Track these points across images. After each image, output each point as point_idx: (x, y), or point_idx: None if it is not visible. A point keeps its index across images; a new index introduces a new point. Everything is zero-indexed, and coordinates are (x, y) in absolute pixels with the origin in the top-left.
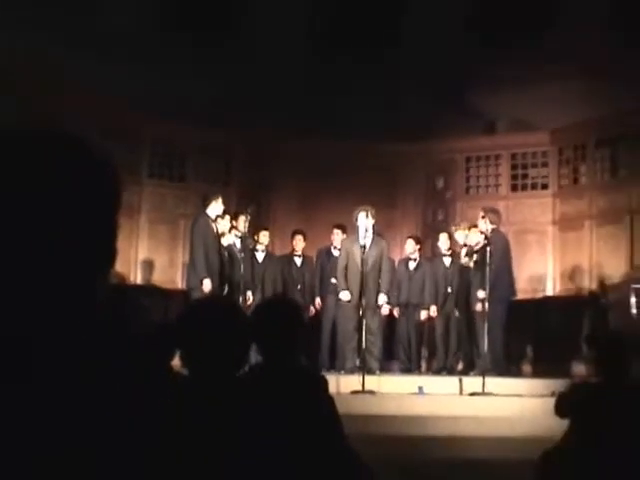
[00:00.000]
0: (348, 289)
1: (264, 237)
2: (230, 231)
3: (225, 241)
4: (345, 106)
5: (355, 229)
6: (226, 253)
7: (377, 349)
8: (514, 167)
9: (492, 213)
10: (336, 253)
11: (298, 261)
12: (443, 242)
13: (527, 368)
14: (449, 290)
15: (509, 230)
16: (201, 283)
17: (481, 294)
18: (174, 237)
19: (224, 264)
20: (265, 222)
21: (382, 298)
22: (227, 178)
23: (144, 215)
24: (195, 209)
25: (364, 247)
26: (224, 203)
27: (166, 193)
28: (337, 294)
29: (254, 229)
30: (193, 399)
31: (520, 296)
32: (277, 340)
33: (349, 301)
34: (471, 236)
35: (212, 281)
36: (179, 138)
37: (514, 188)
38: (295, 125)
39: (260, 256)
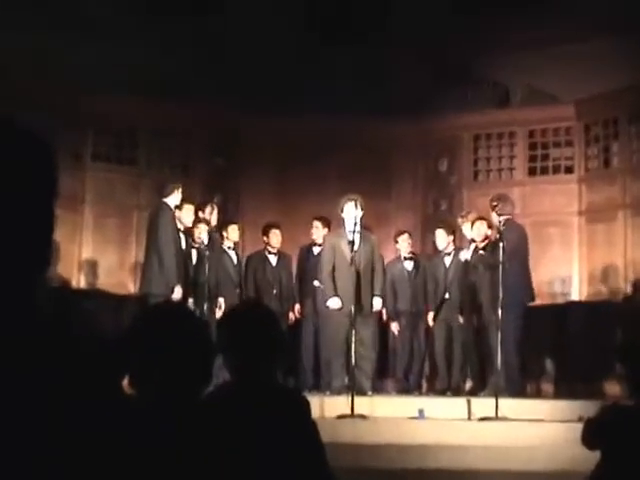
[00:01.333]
0: (338, 295)
1: (233, 232)
2: (195, 225)
3: (197, 236)
4: (328, 78)
5: (341, 222)
6: (193, 252)
7: (370, 365)
8: (532, 147)
9: (503, 202)
10: (317, 250)
11: (273, 260)
12: (441, 239)
13: (548, 387)
14: (447, 295)
15: (526, 222)
16: (172, 291)
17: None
18: (125, 233)
19: (188, 265)
20: (233, 215)
21: (377, 303)
22: (188, 162)
23: (88, 206)
24: (151, 199)
25: (353, 243)
26: (184, 192)
27: (115, 179)
28: (321, 299)
29: (221, 223)
30: (146, 426)
31: (539, 301)
32: (248, 354)
33: (340, 309)
34: (477, 229)
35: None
36: (130, 114)
37: (532, 172)
38: (268, 101)
39: (232, 255)
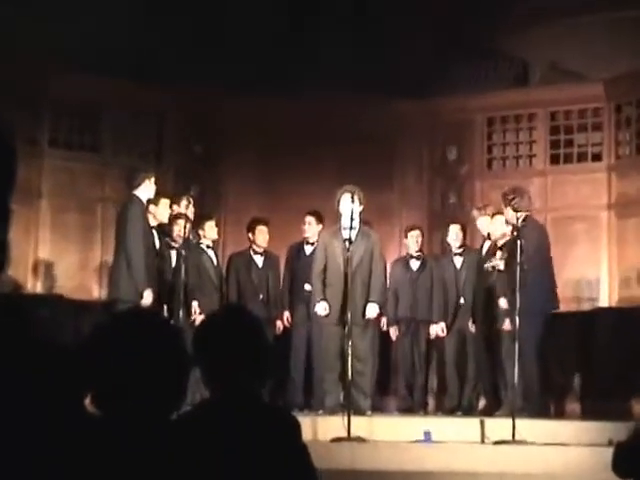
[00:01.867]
0: (326, 299)
1: (211, 230)
2: (173, 221)
3: (173, 234)
4: (321, 54)
5: (337, 218)
6: (170, 252)
7: (367, 381)
8: (554, 131)
9: (520, 196)
10: (309, 250)
11: (259, 260)
12: (454, 236)
13: (573, 406)
14: (462, 301)
15: (548, 218)
16: (141, 296)
17: (503, 303)
18: (88, 230)
19: (163, 267)
20: (213, 209)
21: (372, 310)
22: (159, 149)
23: (45, 200)
24: (117, 191)
25: (349, 242)
26: (157, 183)
27: (76, 169)
28: (313, 305)
29: (197, 218)
30: (112, 451)
31: (563, 307)
32: (229, 367)
33: (327, 315)
34: (494, 226)
35: (152, 291)
36: (94, 95)
37: (555, 160)
38: (253, 80)
39: (211, 255)
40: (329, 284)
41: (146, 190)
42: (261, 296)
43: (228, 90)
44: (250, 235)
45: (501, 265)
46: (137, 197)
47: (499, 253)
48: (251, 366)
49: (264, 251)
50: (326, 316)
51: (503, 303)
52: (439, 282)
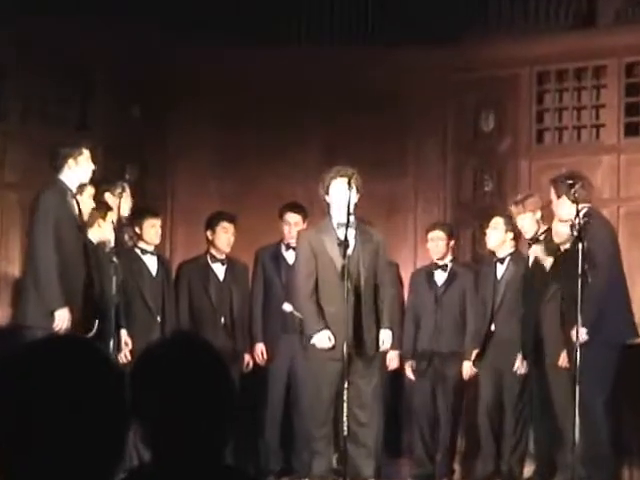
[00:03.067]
0: (327, 327)
1: (152, 229)
2: (96, 216)
3: (96, 235)
4: None
5: (326, 211)
6: (95, 258)
7: (372, 436)
8: (631, 90)
9: (582, 182)
10: (290, 256)
11: (220, 271)
12: (496, 235)
13: None
14: (492, 327)
15: (620, 211)
16: (51, 317)
17: (582, 332)
18: None
19: (92, 279)
20: (157, 199)
21: (387, 338)
22: (85, 114)
23: None
24: (31, 175)
25: (345, 244)
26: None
27: None
28: (298, 334)
29: (134, 213)
30: None
31: None
32: (178, 420)
33: (333, 348)
34: (557, 225)
35: (72, 311)
36: None
37: (631, 131)
38: (215, 21)
39: (151, 263)
40: (325, 305)
41: (75, 172)
42: (223, 320)
43: (180, 37)
44: (209, 235)
45: (547, 262)
46: (60, 183)
47: (534, 247)
48: (208, 418)
49: (227, 258)
50: (331, 348)
51: (581, 333)
52: (474, 301)
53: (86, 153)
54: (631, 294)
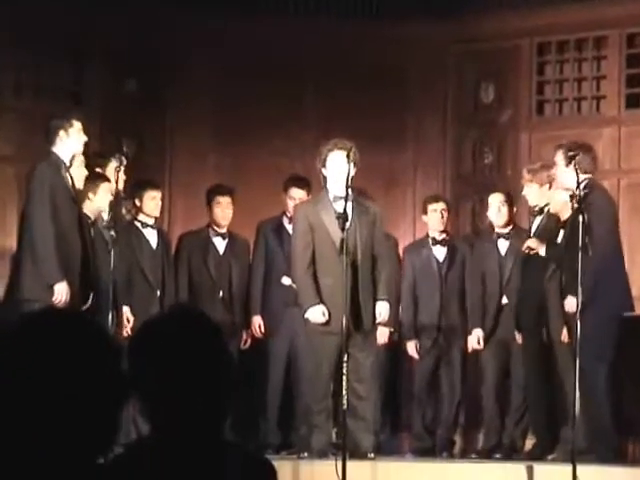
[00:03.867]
0: (322, 302)
1: (151, 202)
2: (91, 189)
3: (91, 207)
4: None
5: (322, 184)
6: (91, 231)
7: (372, 411)
8: (632, 61)
9: (584, 153)
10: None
11: (220, 244)
12: (497, 210)
13: None
14: (504, 300)
15: (621, 183)
16: (50, 290)
17: (571, 304)
18: None
19: (88, 252)
20: (155, 172)
21: (384, 310)
22: (79, 86)
23: None
24: (26, 148)
25: (344, 218)
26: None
27: None
28: (297, 308)
29: (132, 186)
30: None
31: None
32: (176, 394)
33: (327, 323)
34: (554, 194)
35: (71, 285)
36: None
37: (632, 102)
38: None
39: (151, 237)
40: (322, 278)
41: (67, 144)
42: (221, 294)
43: (180, 6)
44: (210, 209)
45: (542, 251)
46: (54, 156)
47: (537, 219)
48: (206, 391)
49: (228, 232)
50: (325, 324)
51: (571, 304)
52: (478, 274)
53: (77, 125)
54: (632, 267)
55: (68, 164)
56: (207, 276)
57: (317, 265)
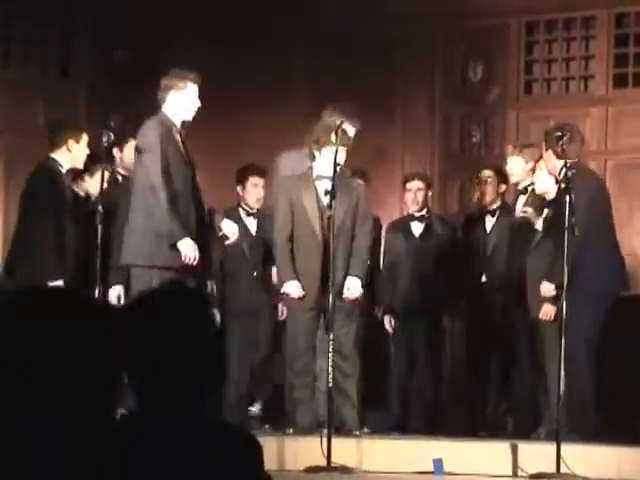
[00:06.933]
0: (297, 277)
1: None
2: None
3: (84, 188)
4: None
5: (308, 159)
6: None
7: (355, 387)
8: (620, 41)
9: (571, 134)
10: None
11: (252, 225)
12: (487, 187)
13: None
14: (483, 278)
15: (608, 164)
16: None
17: (548, 287)
18: None
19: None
20: None
21: (354, 286)
22: (68, 58)
23: None
24: (14, 121)
25: (332, 196)
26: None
27: None
28: (280, 285)
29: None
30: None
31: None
32: (165, 369)
33: (302, 298)
34: (538, 176)
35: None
36: None
37: (620, 82)
38: None
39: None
40: (300, 254)
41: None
42: (255, 273)
43: None
44: (239, 191)
45: (538, 224)
46: (162, 115)
47: (522, 198)
48: (192, 367)
49: (258, 211)
50: (300, 299)
51: (547, 288)
52: (466, 250)
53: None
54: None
55: (64, 172)
56: (242, 256)
57: (295, 242)
